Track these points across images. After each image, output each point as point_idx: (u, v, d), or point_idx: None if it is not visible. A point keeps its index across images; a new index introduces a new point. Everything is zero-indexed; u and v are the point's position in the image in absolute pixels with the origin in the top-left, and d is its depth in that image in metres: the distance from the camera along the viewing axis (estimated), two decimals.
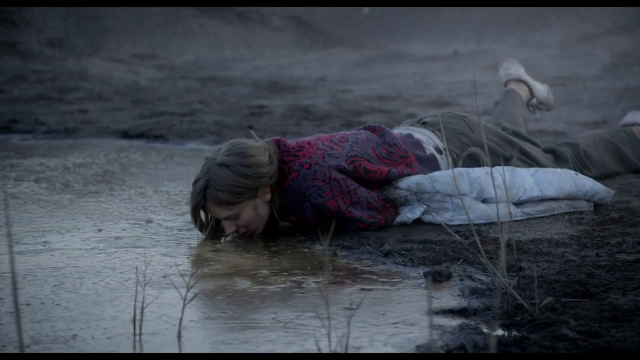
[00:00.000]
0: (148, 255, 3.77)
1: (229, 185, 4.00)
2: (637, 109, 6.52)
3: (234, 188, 4.00)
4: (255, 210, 4.07)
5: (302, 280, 3.37)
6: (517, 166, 4.63)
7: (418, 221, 4.27)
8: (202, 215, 4.13)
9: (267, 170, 4.06)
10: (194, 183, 4.08)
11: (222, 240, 4.12)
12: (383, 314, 2.94)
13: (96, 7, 14.04)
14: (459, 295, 3.10)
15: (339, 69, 12.12)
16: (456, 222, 4.20)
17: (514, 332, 2.69)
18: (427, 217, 4.25)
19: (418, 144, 4.48)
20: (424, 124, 4.67)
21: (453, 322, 2.82)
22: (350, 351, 2.55)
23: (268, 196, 4.10)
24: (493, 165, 4.50)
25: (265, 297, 3.16)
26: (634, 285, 3.14)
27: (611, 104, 8.16)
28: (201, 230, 4.13)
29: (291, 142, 4.24)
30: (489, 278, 3.25)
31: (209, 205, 4.05)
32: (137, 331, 2.71)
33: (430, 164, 4.43)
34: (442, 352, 2.55)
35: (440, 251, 3.72)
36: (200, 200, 4.04)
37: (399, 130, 4.65)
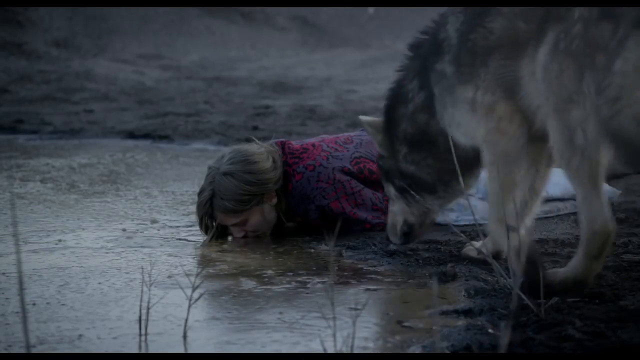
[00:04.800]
0: (154, 255, 3.77)
1: (234, 193, 4.00)
2: None
3: (240, 196, 4.00)
4: (262, 215, 4.07)
5: (308, 280, 3.37)
6: None
7: None
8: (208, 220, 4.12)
9: (272, 176, 4.05)
10: (200, 194, 4.07)
11: (229, 240, 4.12)
12: (388, 314, 2.94)
13: (102, 8, 14.06)
14: (464, 296, 3.10)
15: (344, 69, 12.13)
16: (462, 222, 4.20)
17: (519, 333, 2.69)
18: None
19: None
20: None
21: (459, 322, 2.82)
22: (356, 351, 2.55)
23: (274, 200, 4.10)
24: None
25: (271, 298, 3.16)
26: (639, 286, 3.14)
27: None
28: (207, 233, 4.13)
29: (295, 143, 4.24)
30: (495, 278, 3.25)
31: (217, 214, 4.05)
32: (143, 331, 2.71)
33: None
34: (447, 352, 2.55)
35: (445, 251, 3.71)
36: (208, 210, 4.04)
37: None
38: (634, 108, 2.77)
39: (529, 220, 3.46)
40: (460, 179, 3.33)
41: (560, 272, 3.09)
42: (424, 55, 3.50)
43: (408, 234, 3.69)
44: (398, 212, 3.69)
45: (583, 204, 2.98)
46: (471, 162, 3.49)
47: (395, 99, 3.63)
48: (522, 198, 3.44)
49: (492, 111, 3.26)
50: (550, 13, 3.04)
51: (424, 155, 3.58)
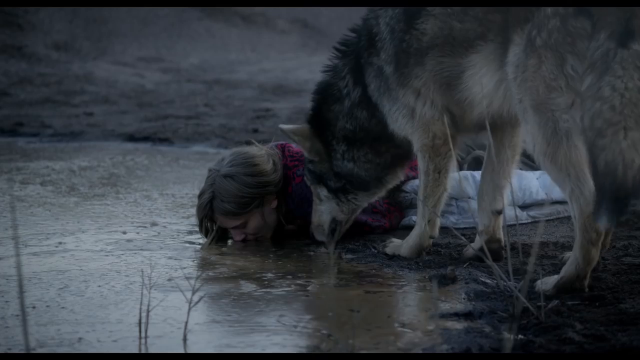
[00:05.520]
0: (153, 258, 3.77)
1: (235, 196, 3.99)
2: None
3: (240, 199, 4.00)
4: (262, 218, 4.07)
5: (308, 283, 3.37)
6: (522, 169, 4.62)
7: None
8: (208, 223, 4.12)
9: (272, 179, 4.05)
10: (200, 196, 4.07)
11: (228, 243, 4.12)
12: (388, 316, 2.94)
13: (102, 11, 14.06)
14: (464, 299, 3.10)
15: None
16: (462, 225, 4.20)
17: (519, 336, 2.69)
18: None
19: None
20: None
21: (459, 325, 2.82)
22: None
23: (275, 203, 4.09)
24: None
25: (271, 300, 3.16)
26: (639, 288, 3.14)
27: None
28: (207, 236, 4.12)
29: (295, 147, 4.24)
30: (495, 281, 3.25)
31: (217, 217, 4.05)
32: (143, 334, 2.71)
33: None
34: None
35: (445, 254, 3.71)
36: (208, 213, 4.04)
37: None
38: (614, 149, 2.83)
39: (509, 178, 3.62)
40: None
41: (558, 275, 3.11)
42: (357, 51, 3.62)
43: (335, 229, 3.87)
44: (326, 211, 3.86)
45: (572, 195, 3.04)
46: (404, 155, 3.74)
47: (326, 99, 3.77)
48: (503, 156, 3.60)
49: (429, 129, 3.50)
50: (510, 18, 3.18)
51: (364, 151, 3.73)
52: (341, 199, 3.81)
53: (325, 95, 3.76)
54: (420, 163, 3.59)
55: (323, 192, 3.83)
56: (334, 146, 3.75)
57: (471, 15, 3.28)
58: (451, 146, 3.37)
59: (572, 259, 3.08)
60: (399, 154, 3.71)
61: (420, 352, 2.59)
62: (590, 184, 3.02)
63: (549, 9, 3.05)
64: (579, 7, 3.01)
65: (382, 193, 3.86)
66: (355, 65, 3.63)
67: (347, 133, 3.71)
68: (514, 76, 3.13)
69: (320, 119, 3.78)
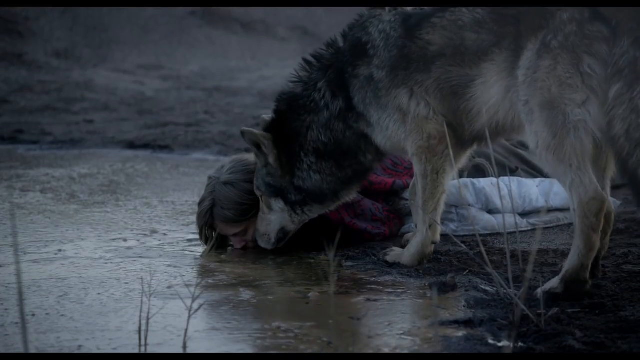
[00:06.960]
0: (153, 265, 3.77)
1: (235, 202, 3.99)
2: None
3: (241, 206, 4.00)
4: None
5: (307, 290, 3.37)
6: (522, 177, 4.62)
7: None
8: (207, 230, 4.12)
9: None
10: (200, 203, 4.07)
11: (228, 250, 4.12)
12: (388, 324, 2.93)
13: (102, 18, 14.08)
14: (464, 306, 3.10)
15: None
16: (461, 233, 4.20)
17: (519, 344, 2.68)
18: None
19: None
20: None
21: (459, 332, 2.81)
22: None
23: None
24: (499, 177, 4.50)
25: (270, 308, 3.16)
26: (639, 296, 3.13)
27: None
28: (207, 244, 4.12)
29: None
30: (495, 289, 3.25)
31: (217, 224, 4.04)
32: (143, 342, 2.70)
33: None
34: None
35: (445, 262, 3.71)
36: (208, 220, 4.04)
37: None
38: None
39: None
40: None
41: (561, 272, 3.13)
42: (338, 66, 3.63)
43: (282, 238, 3.92)
44: (275, 222, 3.88)
45: (572, 185, 3.09)
46: (363, 172, 3.78)
47: (295, 110, 3.76)
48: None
49: (423, 129, 3.51)
50: (522, 28, 3.22)
51: (330, 164, 3.75)
52: (297, 211, 3.84)
53: (294, 106, 3.75)
54: (417, 167, 3.59)
55: (279, 204, 3.84)
56: (302, 157, 3.75)
57: (486, 29, 3.31)
58: (448, 144, 3.36)
59: (573, 250, 3.11)
60: (359, 170, 3.76)
61: None
62: (590, 174, 3.07)
63: (564, 15, 3.12)
64: (594, 13, 3.07)
65: (334, 207, 3.88)
66: (335, 79, 3.63)
67: (319, 145, 3.71)
68: (523, 79, 3.17)
69: (285, 130, 3.75)
